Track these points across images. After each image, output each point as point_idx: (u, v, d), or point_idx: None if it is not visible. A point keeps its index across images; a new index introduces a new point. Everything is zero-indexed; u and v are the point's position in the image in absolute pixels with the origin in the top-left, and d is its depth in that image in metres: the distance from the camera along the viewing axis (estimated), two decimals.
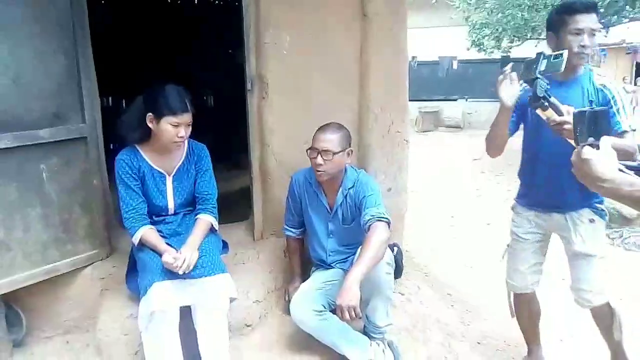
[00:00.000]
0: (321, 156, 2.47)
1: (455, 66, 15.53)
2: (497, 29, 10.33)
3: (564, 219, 2.42)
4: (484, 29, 10.72)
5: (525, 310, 2.69)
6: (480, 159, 9.95)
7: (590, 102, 2.22)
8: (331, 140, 2.48)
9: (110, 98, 6.52)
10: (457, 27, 12.64)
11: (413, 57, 14.87)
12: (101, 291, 2.74)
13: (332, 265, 2.70)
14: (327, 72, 2.98)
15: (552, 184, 2.38)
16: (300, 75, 2.95)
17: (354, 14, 2.97)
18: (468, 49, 12.16)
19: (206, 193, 2.56)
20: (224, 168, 4.78)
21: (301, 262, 2.85)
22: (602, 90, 2.25)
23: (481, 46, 11.58)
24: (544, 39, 11.25)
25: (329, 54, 2.96)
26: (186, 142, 2.48)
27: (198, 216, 2.52)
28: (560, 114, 1.95)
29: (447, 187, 7.79)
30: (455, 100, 15.80)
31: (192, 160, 2.54)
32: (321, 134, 2.51)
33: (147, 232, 2.38)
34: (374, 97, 3.04)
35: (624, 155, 2.10)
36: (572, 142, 1.53)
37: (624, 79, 15.56)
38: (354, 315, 2.16)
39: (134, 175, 2.42)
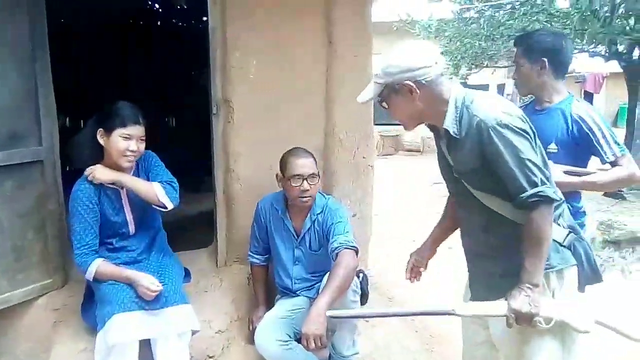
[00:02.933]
0: (307, 182, 2.48)
1: None
2: (455, 57, 10.60)
3: None
4: (443, 56, 10.96)
5: None
6: (439, 183, 10.13)
7: (568, 132, 2.23)
8: (312, 163, 2.54)
9: (67, 118, 6.41)
10: None
11: None
12: (55, 323, 2.60)
13: (297, 293, 2.65)
14: (294, 97, 2.98)
15: None
16: (266, 100, 2.94)
17: (320, 41, 2.99)
18: None
19: (161, 180, 2.42)
20: (185, 191, 4.67)
21: (266, 290, 2.80)
22: (577, 121, 2.21)
23: None
24: (499, 66, 11.67)
25: (295, 79, 2.97)
26: None
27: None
28: None
29: (408, 210, 7.86)
30: None
31: (143, 169, 2.47)
32: (298, 159, 2.52)
33: (103, 264, 2.30)
34: (339, 123, 3.06)
35: (620, 184, 2.28)
36: None
37: None
38: (319, 345, 2.13)
39: (92, 207, 2.33)
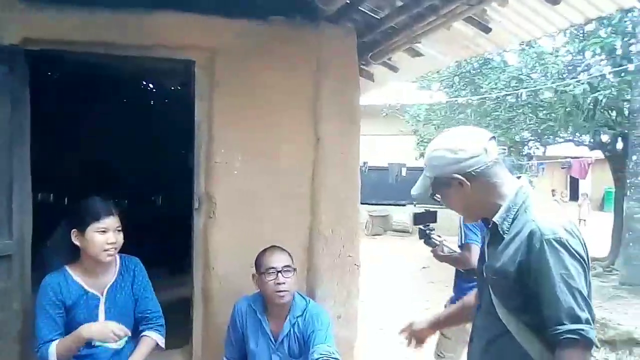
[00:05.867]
0: (281, 274, 2.41)
1: (404, 173, 16.02)
2: None
3: None
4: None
5: None
6: (428, 267, 9.98)
7: None
8: (286, 257, 2.48)
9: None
10: (407, 136, 13.23)
11: (364, 163, 15.34)
12: None
13: None
14: (279, 194, 2.94)
15: None
16: (250, 196, 2.89)
17: (307, 137, 2.99)
18: (417, 159, 12.65)
19: (150, 311, 2.40)
20: (166, 273, 4.47)
21: None
22: None
23: None
24: None
25: (280, 176, 2.94)
26: (117, 256, 2.33)
27: (143, 333, 2.36)
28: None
29: (395, 296, 7.67)
30: (403, 205, 16.13)
31: (127, 278, 2.37)
32: (272, 254, 2.49)
33: (59, 343, 2.15)
34: (325, 220, 2.99)
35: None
36: None
37: (552, 191, 16.48)
38: None
39: (58, 303, 2.21)
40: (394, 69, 4.05)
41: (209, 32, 2.84)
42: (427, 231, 3.11)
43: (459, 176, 1.53)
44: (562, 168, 17.54)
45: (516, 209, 1.52)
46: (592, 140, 9.54)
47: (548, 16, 2.70)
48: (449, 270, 3.12)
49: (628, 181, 7.72)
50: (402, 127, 12.20)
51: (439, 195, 1.66)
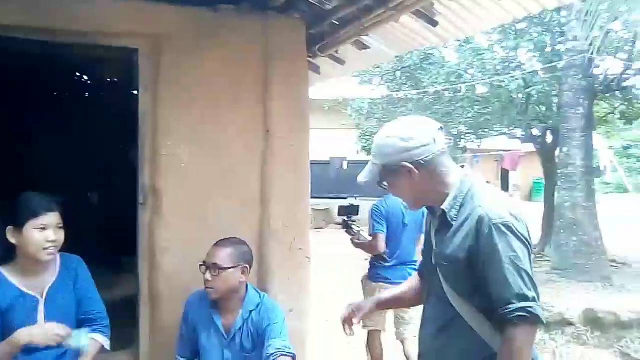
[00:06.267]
0: (209, 272, 2.34)
1: (345, 166, 16.17)
2: None
3: None
4: (373, 136, 11.35)
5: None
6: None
7: None
8: (220, 254, 2.38)
9: None
10: (348, 130, 13.32)
11: None
12: None
13: None
14: (228, 187, 2.86)
15: None
16: (198, 190, 2.80)
17: (257, 130, 2.93)
18: (358, 153, 12.78)
19: (94, 312, 2.28)
20: (110, 272, 4.28)
21: None
22: None
23: (370, 151, 12.22)
24: None
25: (230, 169, 2.87)
26: (58, 255, 2.19)
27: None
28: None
29: (341, 289, 7.71)
30: (345, 198, 16.25)
31: (69, 278, 2.24)
32: (213, 248, 2.42)
33: None
34: (275, 214, 2.94)
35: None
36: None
37: (487, 183, 17.22)
38: None
39: None
40: (340, 61, 4.04)
41: (153, 19, 2.72)
42: (350, 222, 3.99)
43: (408, 164, 1.57)
44: (495, 161, 18.26)
45: (462, 196, 1.58)
46: (524, 133, 9.96)
47: (493, 10, 2.76)
48: None
49: (559, 171, 8.11)
50: (344, 121, 12.29)
51: (386, 183, 1.69)
